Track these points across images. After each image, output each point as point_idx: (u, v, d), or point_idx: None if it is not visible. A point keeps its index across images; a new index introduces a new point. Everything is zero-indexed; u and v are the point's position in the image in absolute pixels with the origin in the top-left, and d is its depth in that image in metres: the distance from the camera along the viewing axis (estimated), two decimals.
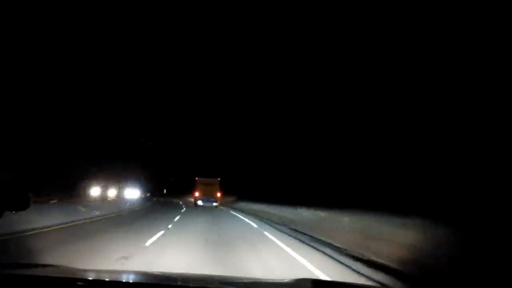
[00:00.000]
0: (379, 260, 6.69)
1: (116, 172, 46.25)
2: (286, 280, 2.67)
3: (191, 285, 2.60)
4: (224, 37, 54.48)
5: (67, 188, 37.57)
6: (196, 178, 35.34)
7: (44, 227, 11.28)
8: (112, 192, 39.04)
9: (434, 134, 12.68)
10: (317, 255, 8.15)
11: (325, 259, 7.72)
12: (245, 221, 18.17)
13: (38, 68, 30.93)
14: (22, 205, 2.11)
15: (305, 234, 11.65)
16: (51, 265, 2.76)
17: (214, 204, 33.09)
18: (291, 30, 31.03)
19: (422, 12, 14.45)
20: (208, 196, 33.28)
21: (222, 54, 55.45)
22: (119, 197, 39.86)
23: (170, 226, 13.87)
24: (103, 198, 34.47)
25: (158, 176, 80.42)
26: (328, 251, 8.50)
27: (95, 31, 39.57)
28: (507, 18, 10.21)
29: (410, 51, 14.91)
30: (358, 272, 6.25)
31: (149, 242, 9.33)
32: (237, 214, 23.38)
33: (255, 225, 15.60)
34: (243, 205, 29.49)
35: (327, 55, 24.22)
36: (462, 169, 10.24)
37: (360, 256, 7.36)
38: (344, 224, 10.12)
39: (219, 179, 35.01)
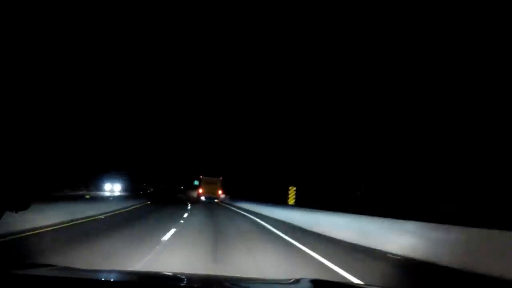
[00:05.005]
0: None
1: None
2: (290, 281, 2.70)
3: (195, 286, 2.66)
4: (226, 41, 58.66)
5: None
6: (201, 176, 39.96)
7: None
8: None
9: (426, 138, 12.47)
10: (252, 216, 18.11)
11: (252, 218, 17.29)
12: (227, 206, 27.90)
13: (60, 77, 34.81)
14: (22, 205, 2.17)
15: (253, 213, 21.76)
16: (51, 265, 2.76)
17: (215, 200, 38.24)
18: (291, 33, 34.22)
19: (422, 13, 14.67)
20: (210, 193, 38.50)
21: (229, 61, 60.15)
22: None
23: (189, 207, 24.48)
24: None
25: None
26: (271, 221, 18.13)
27: (100, 41, 43.39)
28: (506, 19, 9.76)
29: (410, 52, 15.12)
30: None
31: (185, 215, 18.98)
32: (227, 206, 32.91)
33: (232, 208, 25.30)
34: (235, 201, 37.78)
35: (331, 58, 24.46)
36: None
37: None
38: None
39: (221, 178, 39.53)
